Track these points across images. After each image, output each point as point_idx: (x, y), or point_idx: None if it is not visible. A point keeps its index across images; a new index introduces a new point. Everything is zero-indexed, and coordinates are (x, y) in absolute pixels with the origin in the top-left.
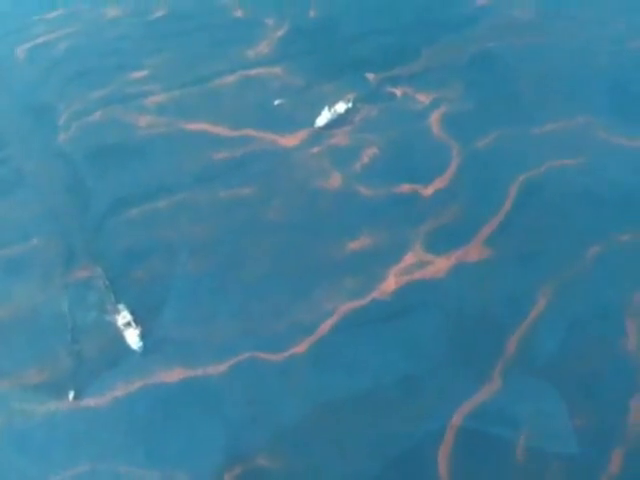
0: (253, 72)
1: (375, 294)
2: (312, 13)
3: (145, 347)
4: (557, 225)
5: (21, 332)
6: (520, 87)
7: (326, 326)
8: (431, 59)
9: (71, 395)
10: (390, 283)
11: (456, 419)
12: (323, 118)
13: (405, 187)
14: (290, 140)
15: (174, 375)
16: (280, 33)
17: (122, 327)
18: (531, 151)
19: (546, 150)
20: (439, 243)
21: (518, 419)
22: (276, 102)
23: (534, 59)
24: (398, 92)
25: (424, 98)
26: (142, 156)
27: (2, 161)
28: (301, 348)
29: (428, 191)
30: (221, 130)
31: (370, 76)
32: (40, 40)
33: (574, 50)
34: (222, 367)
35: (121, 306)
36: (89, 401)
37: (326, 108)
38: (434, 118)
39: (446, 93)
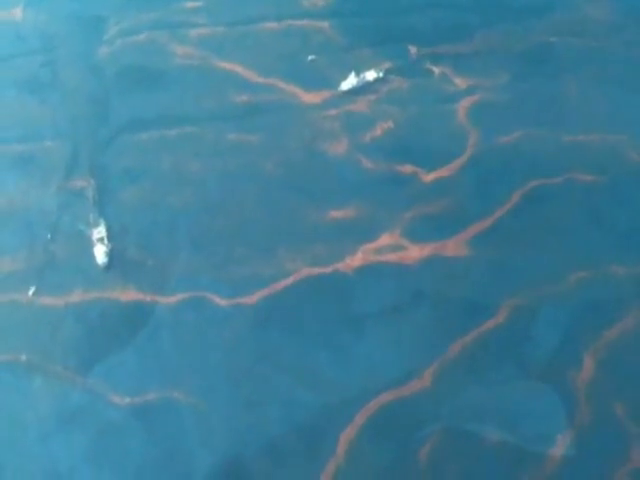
0: (300, 23)
1: (339, 265)
2: None
3: (109, 264)
4: (550, 241)
5: (7, 222)
6: (566, 89)
7: (281, 284)
8: (482, 43)
9: (32, 290)
10: (357, 258)
11: (372, 405)
12: (348, 83)
13: (407, 168)
14: (312, 97)
15: (127, 295)
16: None
17: (95, 241)
18: (553, 158)
19: (569, 160)
20: (420, 231)
21: (433, 420)
22: (310, 57)
23: (590, 63)
24: (436, 70)
25: (461, 82)
26: (169, 84)
27: (45, 63)
28: (251, 299)
29: (429, 177)
30: (250, 74)
31: (412, 49)
32: None
33: (636, 63)
34: (172, 299)
35: (101, 221)
36: (46, 299)
37: (353, 73)
38: (463, 104)
39: (486, 81)
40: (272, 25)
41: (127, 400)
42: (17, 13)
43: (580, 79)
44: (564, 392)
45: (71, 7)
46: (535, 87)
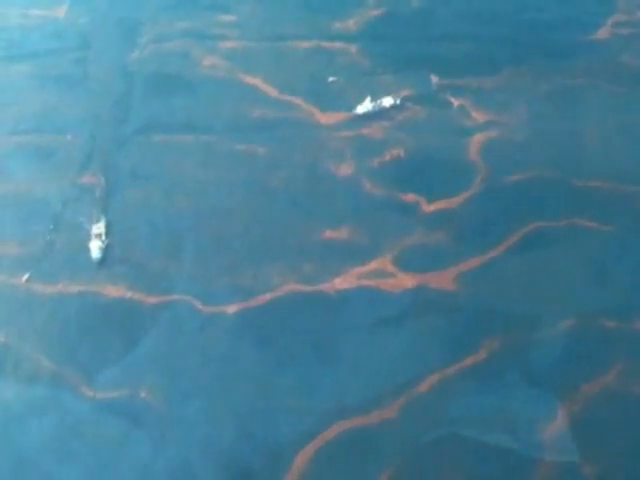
0: (328, 44)
1: (324, 286)
2: (415, 2)
3: (103, 260)
4: (542, 285)
5: (15, 208)
6: (586, 134)
7: (264, 298)
8: (507, 79)
9: (26, 276)
10: (344, 281)
11: (333, 429)
12: (363, 107)
13: (410, 196)
14: (327, 118)
15: (114, 292)
16: (375, 13)
17: (93, 236)
18: (560, 202)
19: (576, 206)
20: (411, 260)
21: (394, 453)
22: (330, 79)
23: (616, 110)
24: (455, 102)
25: (478, 116)
26: (191, 92)
27: (78, 60)
28: (231, 309)
29: (430, 208)
30: (271, 90)
31: (434, 78)
32: None
33: None
34: (155, 300)
35: (102, 218)
36: (38, 286)
37: (369, 98)
38: (477, 139)
39: (504, 118)
40: (301, 44)
41: (93, 394)
42: (61, 12)
43: (603, 125)
44: (532, 442)
45: (112, 10)
46: (554, 129)
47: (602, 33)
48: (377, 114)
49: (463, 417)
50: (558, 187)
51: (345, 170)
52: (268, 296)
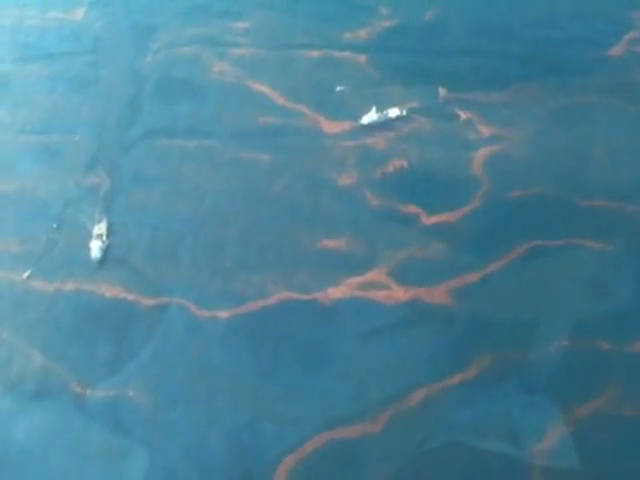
0: (338, 54)
1: (318, 295)
2: (428, 15)
3: (102, 261)
4: (539, 303)
5: (20, 207)
6: (593, 152)
7: (257, 305)
8: (516, 94)
9: (27, 273)
10: (338, 291)
11: (318, 440)
12: (368, 117)
13: (411, 208)
14: (332, 127)
15: (111, 292)
16: (387, 24)
17: (94, 236)
18: (562, 220)
19: (578, 225)
20: (407, 273)
21: (377, 466)
22: (338, 88)
23: (625, 127)
24: (462, 116)
25: (485, 130)
26: (199, 98)
27: (91, 63)
28: (224, 314)
29: (430, 220)
30: (278, 97)
31: (442, 91)
32: None
33: None
34: (151, 302)
35: (104, 218)
36: (37, 283)
37: (374, 108)
38: (481, 153)
39: (510, 133)
40: (311, 53)
41: (82, 392)
42: (78, 15)
43: (609, 144)
44: (518, 463)
45: (128, 15)
46: (559, 146)
47: (616, 51)
48: (382, 125)
49: (450, 430)
50: (559, 205)
51: (346, 180)
52: (260, 303)
